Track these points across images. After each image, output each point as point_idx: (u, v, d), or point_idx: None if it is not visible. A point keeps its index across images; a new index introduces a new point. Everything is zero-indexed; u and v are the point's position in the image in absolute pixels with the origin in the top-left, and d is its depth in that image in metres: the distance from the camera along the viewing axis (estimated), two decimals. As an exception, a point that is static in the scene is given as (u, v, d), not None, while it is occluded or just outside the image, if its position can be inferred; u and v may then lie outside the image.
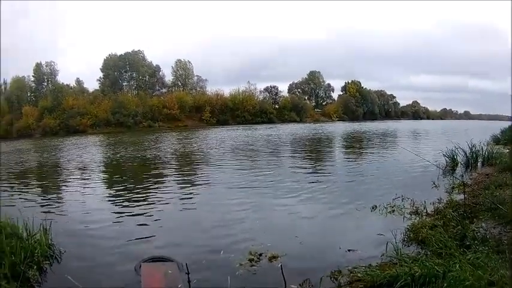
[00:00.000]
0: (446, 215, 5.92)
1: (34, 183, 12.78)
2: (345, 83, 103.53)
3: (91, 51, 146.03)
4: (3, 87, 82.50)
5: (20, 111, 72.91)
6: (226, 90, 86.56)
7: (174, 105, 76.37)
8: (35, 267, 4.58)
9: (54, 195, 10.23)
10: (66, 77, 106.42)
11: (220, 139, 30.88)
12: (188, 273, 4.07)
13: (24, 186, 11.88)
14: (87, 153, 23.77)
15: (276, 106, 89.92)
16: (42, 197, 9.85)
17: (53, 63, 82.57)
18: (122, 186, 10.75)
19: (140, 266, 4.72)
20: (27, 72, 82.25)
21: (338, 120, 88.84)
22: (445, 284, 3.53)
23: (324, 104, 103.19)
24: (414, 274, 3.73)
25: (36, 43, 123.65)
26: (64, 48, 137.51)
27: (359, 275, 4.00)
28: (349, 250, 4.90)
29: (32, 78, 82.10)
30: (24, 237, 5.18)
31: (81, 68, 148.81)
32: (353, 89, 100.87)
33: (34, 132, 68.45)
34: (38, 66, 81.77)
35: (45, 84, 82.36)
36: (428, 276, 3.68)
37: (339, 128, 48.37)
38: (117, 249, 5.40)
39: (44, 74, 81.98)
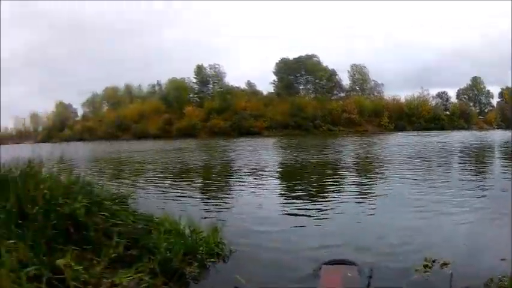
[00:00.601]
0: None
1: (204, 182, 13.86)
2: (501, 89, 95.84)
3: (257, 55, 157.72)
4: (157, 88, 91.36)
5: (181, 111, 79.42)
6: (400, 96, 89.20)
7: (353, 110, 78.77)
8: (196, 264, 4.68)
9: (226, 196, 10.81)
10: (232, 79, 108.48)
11: (399, 146, 31.25)
12: (370, 277, 4.34)
13: (193, 184, 12.89)
14: (264, 154, 24.91)
15: (447, 112, 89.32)
16: (213, 197, 10.53)
17: (217, 66, 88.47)
18: (301, 191, 11.02)
19: (320, 268, 4.80)
20: (185, 74, 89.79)
21: (497, 128, 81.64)
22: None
23: (485, 110, 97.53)
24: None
25: (195, 46, 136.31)
26: (230, 51, 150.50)
27: (505, 283, 4.24)
28: (502, 259, 5.03)
29: (194, 80, 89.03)
30: (187, 233, 5.28)
31: (245, 71, 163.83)
32: (508, 96, 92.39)
33: (199, 132, 74.60)
34: (200, 68, 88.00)
35: (211, 86, 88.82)
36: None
37: (498, 136, 44.10)
38: (293, 253, 5.53)
39: (207, 76, 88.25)
